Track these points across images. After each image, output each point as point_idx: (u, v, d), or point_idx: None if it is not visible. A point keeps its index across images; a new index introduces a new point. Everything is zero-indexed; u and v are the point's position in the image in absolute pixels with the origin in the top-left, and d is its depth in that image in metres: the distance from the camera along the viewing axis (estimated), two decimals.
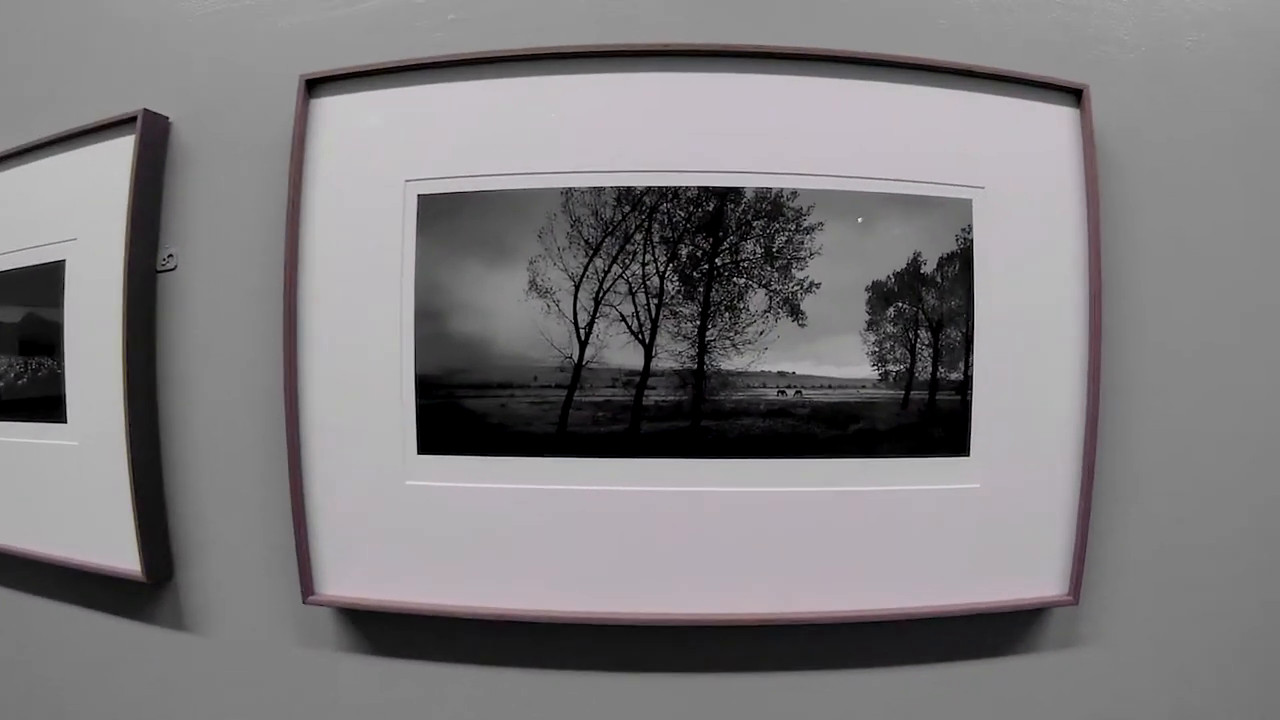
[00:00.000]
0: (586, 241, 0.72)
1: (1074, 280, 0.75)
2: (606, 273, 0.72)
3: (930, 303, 0.73)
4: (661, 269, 0.72)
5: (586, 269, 0.72)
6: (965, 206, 0.73)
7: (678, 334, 0.72)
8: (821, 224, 0.72)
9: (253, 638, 0.82)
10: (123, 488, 0.81)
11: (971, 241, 0.73)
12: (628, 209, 0.72)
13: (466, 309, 0.73)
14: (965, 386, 0.74)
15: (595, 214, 0.72)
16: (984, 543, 0.75)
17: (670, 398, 0.72)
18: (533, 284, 0.72)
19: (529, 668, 0.79)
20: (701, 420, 0.72)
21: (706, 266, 0.72)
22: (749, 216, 0.72)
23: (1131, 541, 0.80)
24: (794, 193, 0.72)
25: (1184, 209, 0.80)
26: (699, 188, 0.72)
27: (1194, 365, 0.80)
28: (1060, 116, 0.76)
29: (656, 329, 0.72)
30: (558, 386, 0.72)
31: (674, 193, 0.72)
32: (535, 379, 0.72)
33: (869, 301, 0.73)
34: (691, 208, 0.72)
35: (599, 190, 0.72)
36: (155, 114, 0.83)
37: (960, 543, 0.75)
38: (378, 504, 0.75)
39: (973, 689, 0.80)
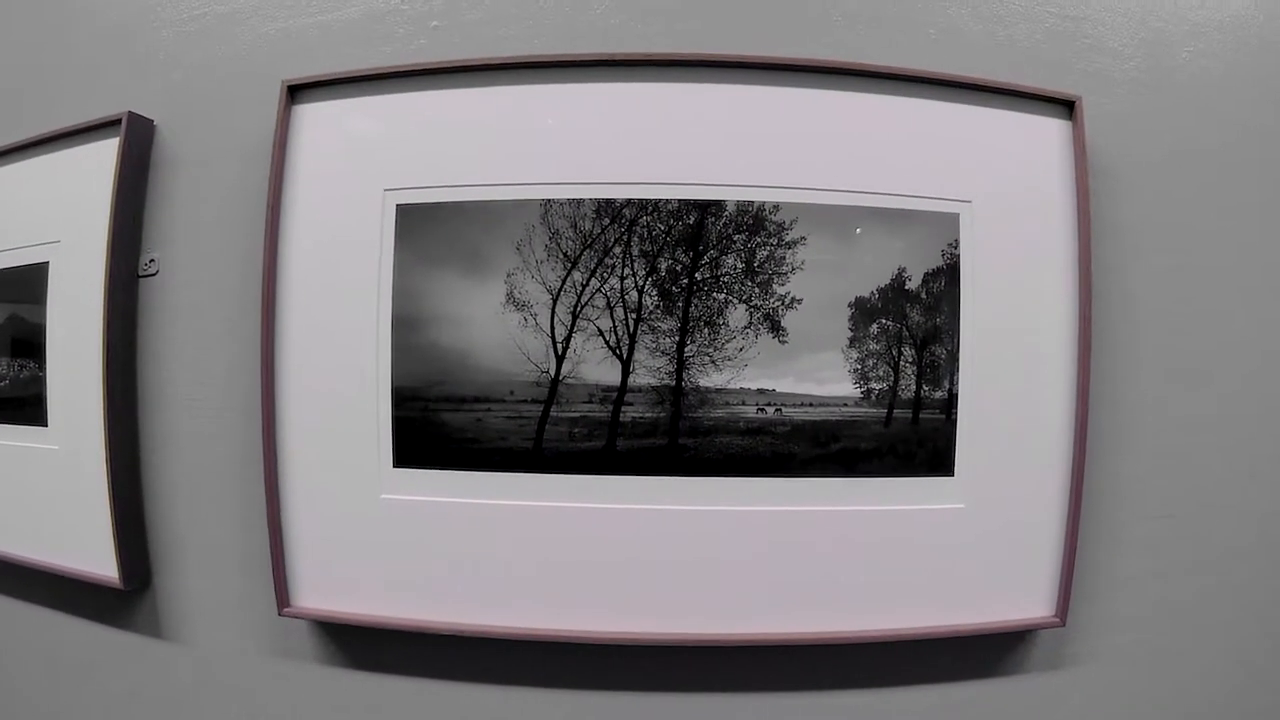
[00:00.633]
0: (565, 254, 0.71)
1: (1063, 297, 0.74)
2: (585, 286, 0.71)
3: (914, 319, 0.72)
4: (640, 283, 0.71)
5: (564, 282, 0.71)
6: (952, 221, 0.72)
7: (656, 349, 0.71)
8: (804, 238, 0.71)
9: (228, 647, 0.82)
10: (101, 493, 0.80)
11: (958, 257, 0.72)
12: (607, 221, 0.71)
13: (443, 321, 0.72)
14: (950, 405, 0.72)
15: (574, 226, 0.71)
16: (969, 563, 0.74)
17: (648, 414, 0.71)
18: (510, 296, 0.71)
19: (503, 684, 0.78)
20: (679, 437, 0.71)
21: (686, 281, 0.71)
22: (730, 230, 0.71)
23: (1119, 562, 0.79)
24: (776, 206, 0.71)
25: (1177, 224, 0.79)
26: (680, 200, 0.71)
27: (1184, 383, 0.78)
28: (1051, 129, 0.74)
29: (635, 344, 0.71)
30: (534, 401, 0.71)
31: (654, 205, 0.71)
32: (512, 393, 0.72)
33: (851, 318, 0.71)
34: (672, 221, 0.71)
35: (578, 202, 0.71)
36: (140, 117, 0.83)
37: (945, 563, 0.74)
38: (353, 517, 0.75)
39: (958, 712, 0.79)
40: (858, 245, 0.71)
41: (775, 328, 0.71)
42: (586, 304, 0.71)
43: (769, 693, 0.78)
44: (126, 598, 0.84)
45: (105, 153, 0.81)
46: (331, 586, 0.76)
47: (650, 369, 0.71)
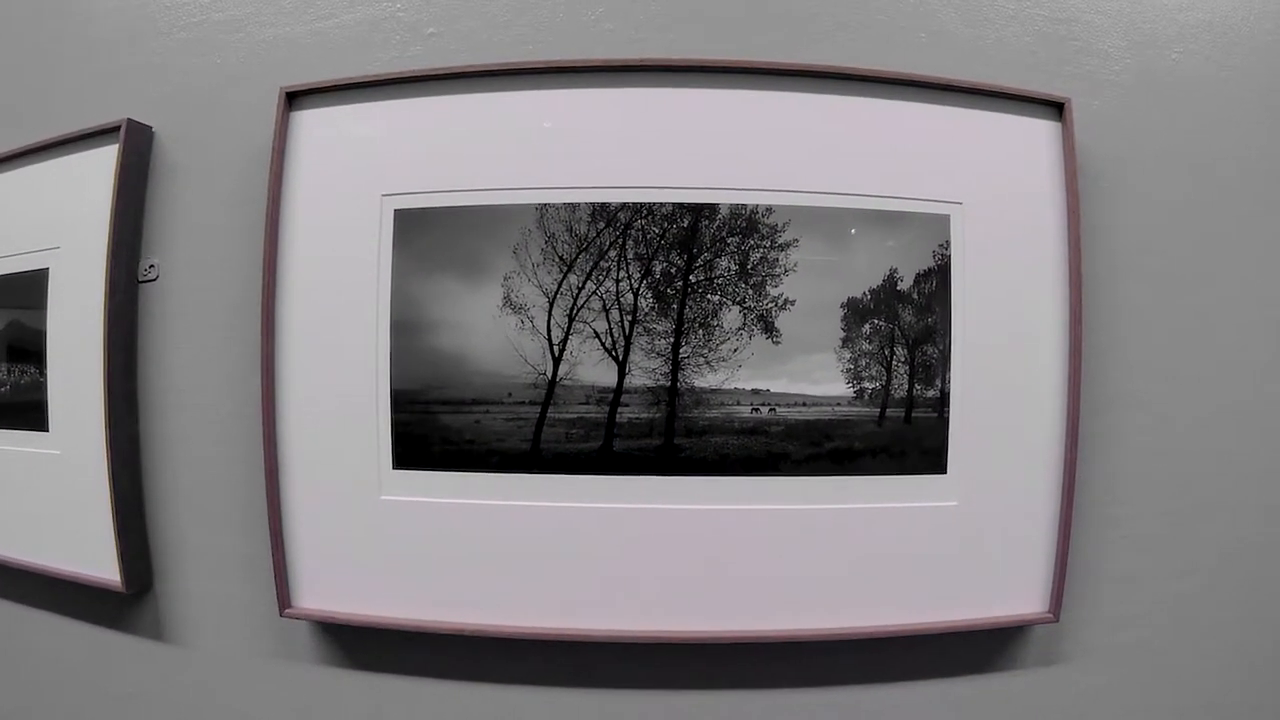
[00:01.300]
0: (561, 258, 0.72)
1: (1054, 296, 0.74)
2: (580, 289, 0.72)
3: (907, 320, 0.73)
4: (635, 285, 0.72)
5: (560, 285, 0.72)
6: (943, 222, 0.73)
7: (651, 351, 0.72)
8: (797, 240, 0.72)
9: (230, 649, 0.83)
10: (103, 497, 0.81)
11: (949, 258, 0.73)
12: (602, 225, 0.72)
13: (441, 324, 0.73)
14: (942, 404, 0.73)
15: (570, 230, 0.72)
16: (963, 560, 0.75)
17: (643, 415, 0.72)
18: (507, 300, 0.72)
19: (502, 683, 0.79)
20: (675, 438, 0.72)
21: (680, 283, 0.72)
22: (723, 233, 0.72)
23: (1112, 558, 0.79)
24: (769, 209, 0.72)
25: (1167, 224, 0.79)
26: (674, 204, 0.72)
27: (1174, 381, 0.79)
28: (1041, 130, 0.75)
29: (630, 346, 0.72)
30: (531, 403, 0.72)
31: (649, 209, 0.72)
32: (509, 395, 0.72)
33: (844, 319, 0.72)
34: (666, 224, 0.72)
35: (574, 206, 0.72)
36: (139, 124, 0.83)
37: (939, 561, 0.74)
38: (353, 518, 0.75)
39: (952, 708, 0.79)
40: (850, 247, 0.72)
41: (769, 329, 0.72)
42: (583, 307, 0.72)
43: (765, 690, 0.78)
44: (129, 601, 0.85)
45: (105, 159, 0.82)
46: (332, 588, 0.76)
47: (646, 370, 0.72)
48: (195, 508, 0.83)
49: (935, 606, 0.75)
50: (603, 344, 0.72)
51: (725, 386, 0.72)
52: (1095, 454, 0.78)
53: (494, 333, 0.72)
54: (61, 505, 0.85)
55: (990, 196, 0.74)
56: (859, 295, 0.72)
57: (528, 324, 0.72)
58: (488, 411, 0.72)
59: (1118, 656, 0.80)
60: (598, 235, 0.72)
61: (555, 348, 0.72)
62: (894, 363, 0.73)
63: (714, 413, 0.72)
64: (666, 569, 0.73)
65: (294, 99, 0.77)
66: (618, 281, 0.72)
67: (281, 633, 0.81)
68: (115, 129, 0.81)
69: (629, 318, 0.72)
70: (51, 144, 0.86)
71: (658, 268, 0.72)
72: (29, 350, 0.87)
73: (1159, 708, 0.81)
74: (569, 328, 0.72)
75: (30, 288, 0.86)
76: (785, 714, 0.78)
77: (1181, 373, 0.79)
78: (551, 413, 0.72)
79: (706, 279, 0.72)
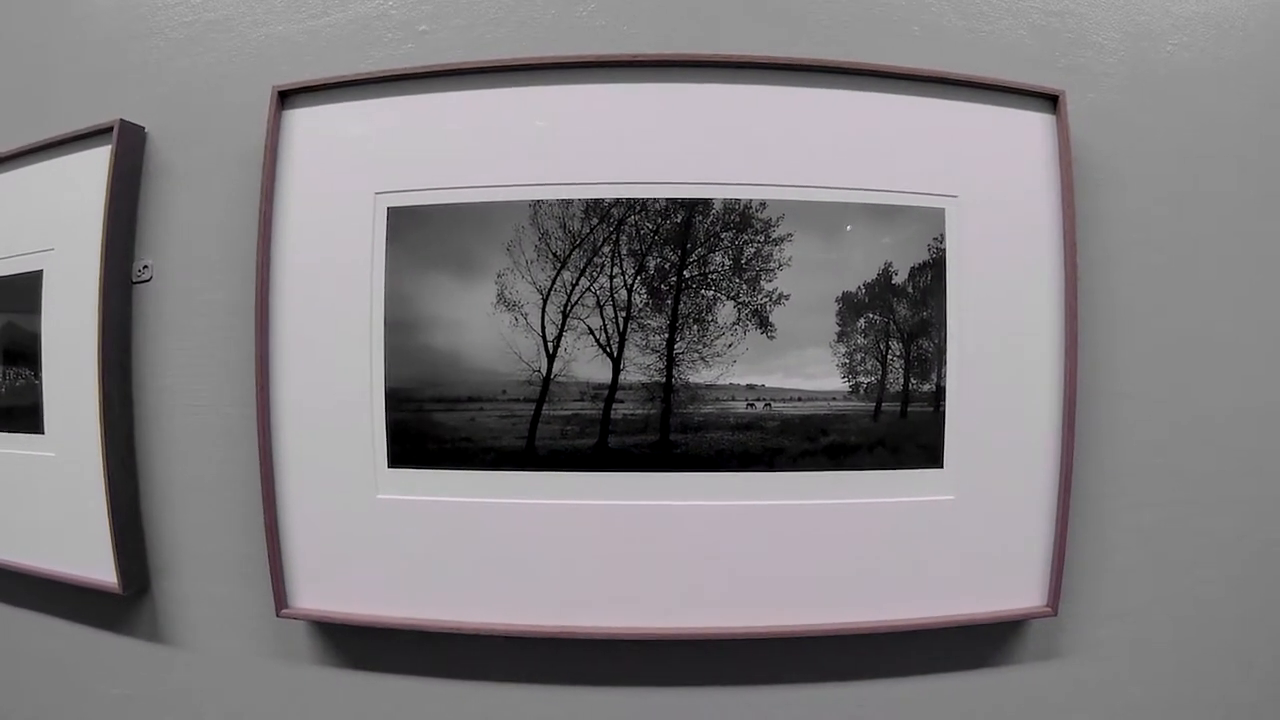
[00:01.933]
0: (554, 254, 0.72)
1: (1049, 289, 0.74)
2: (574, 285, 0.72)
3: (902, 313, 0.73)
4: (629, 281, 0.72)
5: (554, 282, 0.72)
6: (938, 215, 0.73)
7: (646, 347, 0.72)
8: (791, 235, 0.72)
9: (228, 650, 0.82)
10: (99, 499, 0.81)
11: (944, 251, 0.73)
12: (596, 221, 0.72)
13: (436, 322, 0.73)
14: (938, 397, 0.73)
15: (563, 226, 0.72)
16: (960, 555, 0.75)
17: (639, 411, 0.72)
18: (501, 297, 0.72)
19: (501, 681, 0.79)
20: (670, 433, 0.72)
21: (674, 279, 0.72)
22: (717, 228, 0.72)
23: (1110, 552, 0.79)
24: (763, 204, 0.72)
25: (1162, 216, 0.79)
26: (667, 199, 0.72)
27: (1171, 374, 0.79)
28: (1036, 123, 0.75)
29: (624, 342, 0.72)
30: (526, 400, 0.72)
31: (642, 204, 0.72)
32: (504, 392, 0.72)
33: (839, 313, 0.72)
34: (660, 220, 0.72)
35: (567, 202, 0.72)
36: (131, 124, 0.83)
37: (936, 555, 0.74)
38: (349, 518, 0.75)
39: (951, 702, 0.79)
40: (844, 241, 0.72)
41: (763, 324, 0.72)
42: (576, 303, 0.72)
43: (762, 686, 0.78)
44: (125, 603, 0.85)
45: (98, 160, 0.82)
46: (329, 587, 0.76)
47: (640, 366, 0.72)
48: (191, 509, 0.83)
49: (932, 601, 0.75)
50: (597, 340, 0.72)
51: (720, 382, 0.72)
52: (1092, 447, 0.78)
53: (488, 330, 0.72)
54: (57, 507, 0.85)
55: (985, 190, 0.74)
56: (854, 289, 0.72)
57: (522, 321, 0.72)
58: (482, 409, 0.72)
59: (1116, 650, 0.80)
60: (591, 231, 0.72)
61: (549, 344, 0.72)
62: (889, 357, 0.73)
63: (709, 408, 0.72)
64: (662, 565, 0.73)
65: (286, 98, 0.76)
66: (611, 278, 0.72)
67: (278, 633, 0.81)
68: (108, 130, 0.81)
69: (623, 314, 0.72)
70: (44, 145, 0.86)
71: (652, 263, 0.72)
72: (24, 353, 0.87)
73: (1157, 701, 0.81)
74: (563, 324, 0.72)
75: (25, 290, 0.86)
76: (783, 709, 0.78)
77: (1178, 364, 0.79)
78: (546, 410, 0.72)
79: (700, 274, 0.72)
